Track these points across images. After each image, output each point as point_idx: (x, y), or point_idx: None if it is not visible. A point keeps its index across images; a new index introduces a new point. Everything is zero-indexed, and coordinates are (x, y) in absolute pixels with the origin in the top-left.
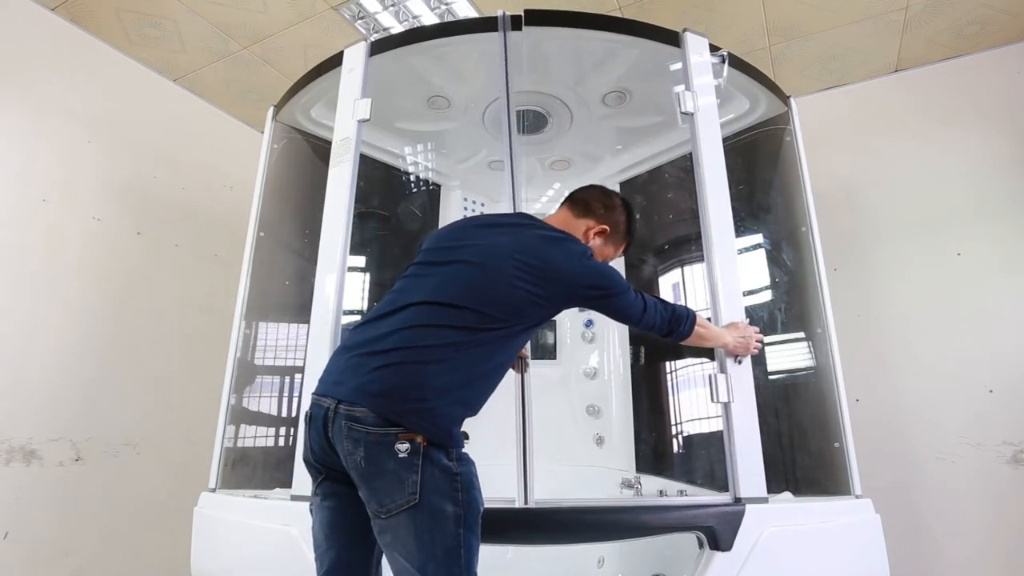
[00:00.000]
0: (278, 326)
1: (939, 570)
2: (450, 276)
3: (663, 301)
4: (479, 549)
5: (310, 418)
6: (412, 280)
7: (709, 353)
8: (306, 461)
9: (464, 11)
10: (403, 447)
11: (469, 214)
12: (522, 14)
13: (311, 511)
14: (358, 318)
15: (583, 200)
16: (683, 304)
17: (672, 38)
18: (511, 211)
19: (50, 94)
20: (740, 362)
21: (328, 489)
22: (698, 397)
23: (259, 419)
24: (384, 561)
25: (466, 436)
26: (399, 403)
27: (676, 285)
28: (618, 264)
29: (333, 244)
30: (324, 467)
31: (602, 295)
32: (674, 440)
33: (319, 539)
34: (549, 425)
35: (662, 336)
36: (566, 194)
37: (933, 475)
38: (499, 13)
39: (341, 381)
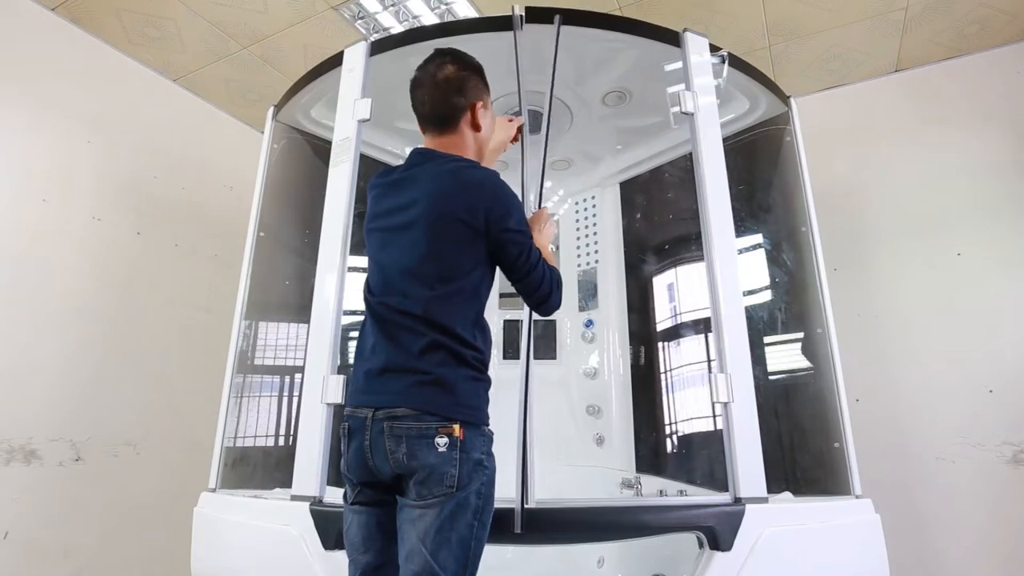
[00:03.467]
0: (278, 326)
1: (939, 570)
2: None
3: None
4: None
5: (349, 431)
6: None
7: (708, 353)
8: (344, 474)
9: (464, 11)
10: (442, 441)
11: None
12: (522, 13)
13: (345, 515)
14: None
15: (453, 111)
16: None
17: (672, 38)
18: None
19: (50, 94)
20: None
21: (366, 498)
22: (698, 397)
23: (259, 419)
24: None
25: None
26: (429, 395)
27: (672, 285)
28: (622, 264)
29: (333, 244)
30: (359, 480)
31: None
32: (674, 440)
33: (356, 542)
34: (549, 425)
35: (537, 302)
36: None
37: (933, 475)
38: (513, 10)
39: (372, 390)
